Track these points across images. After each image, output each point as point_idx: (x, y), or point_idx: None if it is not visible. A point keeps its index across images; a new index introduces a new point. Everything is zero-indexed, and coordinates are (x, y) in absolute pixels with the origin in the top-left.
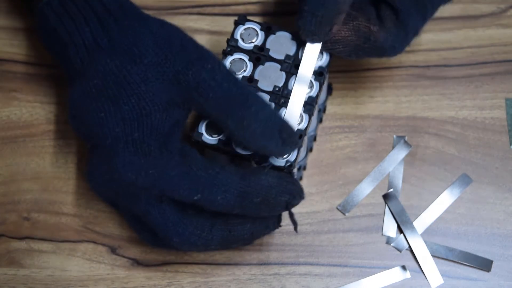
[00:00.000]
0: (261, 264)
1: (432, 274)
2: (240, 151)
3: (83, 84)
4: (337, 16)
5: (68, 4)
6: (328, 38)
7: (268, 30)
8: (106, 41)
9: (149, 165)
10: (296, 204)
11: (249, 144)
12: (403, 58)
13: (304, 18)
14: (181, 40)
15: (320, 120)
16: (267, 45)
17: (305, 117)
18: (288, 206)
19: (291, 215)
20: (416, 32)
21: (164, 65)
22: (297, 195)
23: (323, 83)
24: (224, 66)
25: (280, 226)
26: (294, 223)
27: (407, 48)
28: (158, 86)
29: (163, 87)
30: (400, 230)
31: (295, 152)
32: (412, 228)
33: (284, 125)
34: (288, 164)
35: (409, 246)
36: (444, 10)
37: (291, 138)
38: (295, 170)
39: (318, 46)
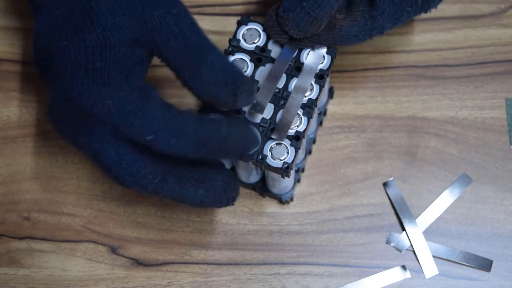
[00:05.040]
0: (261, 264)
1: (427, 264)
2: None
3: (49, 12)
4: (327, 18)
5: None
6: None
7: None
8: None
9: (106, 94)
10: (252, 150)
11: (201, 93)
12: (403, 58)
13: (296, 13)
14: None
15: (320, 123)
16: (269, 46)
17: (304, 119)
18: (243, 153)
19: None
20: (381, 31)
21: (133, 2)
22: (255, 142)
23: (324, 86)
24: (191, 16)
25: (233, 205)
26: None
27: (407, 48)
28: (125, 22)
29: (129, 24)
30: (399, 221)
31: (293, 154)
32: (411, 218)
33: (240, 75)
34: (285, 165)
35: (409, 240)
36: (444, 10)
37: (246, 87)
38: (292, 171)
39: (323, 49)
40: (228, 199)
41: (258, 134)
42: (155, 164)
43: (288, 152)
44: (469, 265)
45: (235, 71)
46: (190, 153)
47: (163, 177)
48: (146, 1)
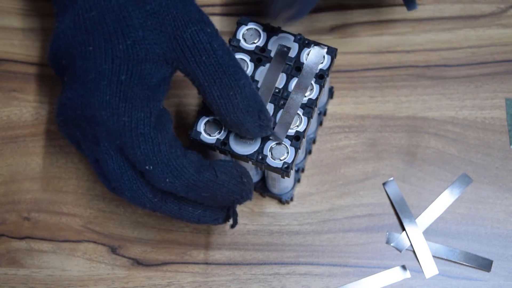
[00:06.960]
0: (261, 264)
1: (427, 264)
2: (239, 151)
3: (77, 13)
4: None
5: None
6: None
7: (271, 31)
8: None
9: (125, 111)
10: (242, 203)
11: (228, 115)
12: (403, 58)
13: None
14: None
15: (320, 123)
16: (269, 46)
17: (304, 119)
18: (233, 204)
19: (233, 212)
20: None
21: (165, 17)
22: (246, 196)
23: (324, 86)
24: (221, 37)
25: (228, 221)
26: (234, 220)
27: (407, 48)
28: (154, 37)
29: (158, 39)
30: (399, 221)
31: (293, 154)
32: (411, 218)
33: (264, 108)
34: (286, 165)
35: (409, 240)
36: (444, 10)
37: (268, 123)
38: (292, 171)
39: (323, 50)
40: (224, 217)
41: (251, 188)
42: None
43: (288, 152)
44: (469, 265)
45: (260, 100)
46: (181, 193)
47: (163, 197)
48: (178, 18)
